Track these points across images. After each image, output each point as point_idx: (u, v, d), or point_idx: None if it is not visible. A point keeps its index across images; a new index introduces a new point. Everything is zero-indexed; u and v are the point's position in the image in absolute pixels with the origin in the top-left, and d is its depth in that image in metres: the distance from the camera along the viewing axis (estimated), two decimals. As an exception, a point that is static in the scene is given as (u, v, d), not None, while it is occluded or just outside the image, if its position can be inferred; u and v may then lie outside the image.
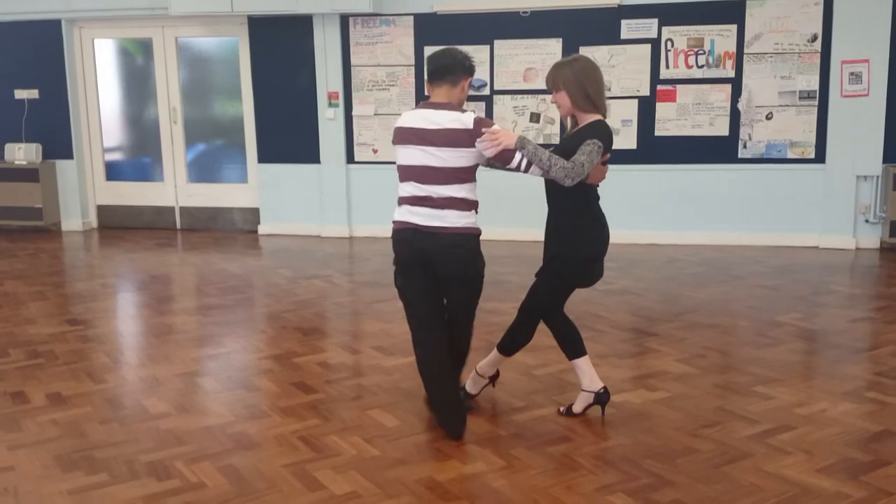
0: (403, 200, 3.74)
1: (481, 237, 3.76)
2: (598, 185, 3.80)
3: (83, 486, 3.28)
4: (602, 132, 3.63)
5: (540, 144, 3.71)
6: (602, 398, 3.88)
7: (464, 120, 3.60)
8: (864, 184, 7.91)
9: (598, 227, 3.79)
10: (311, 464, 3.44)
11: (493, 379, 4.19)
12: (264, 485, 3.27)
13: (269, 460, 3.49)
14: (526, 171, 3.61)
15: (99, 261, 8.36)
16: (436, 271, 3.70)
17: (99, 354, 5.00)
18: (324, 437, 3.72)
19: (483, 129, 3.57)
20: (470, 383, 4.15)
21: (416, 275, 3.73)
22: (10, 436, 3.77)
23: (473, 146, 3.59)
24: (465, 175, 3.64)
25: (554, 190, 3.74)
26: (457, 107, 3.69)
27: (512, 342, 4.01)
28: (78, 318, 5.84)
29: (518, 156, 3.56)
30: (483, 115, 8.33)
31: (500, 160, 3.62)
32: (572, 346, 3.93)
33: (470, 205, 3.67)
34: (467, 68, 3.73)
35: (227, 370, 4.74)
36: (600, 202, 3.84)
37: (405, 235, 3.73)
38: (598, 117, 3.70)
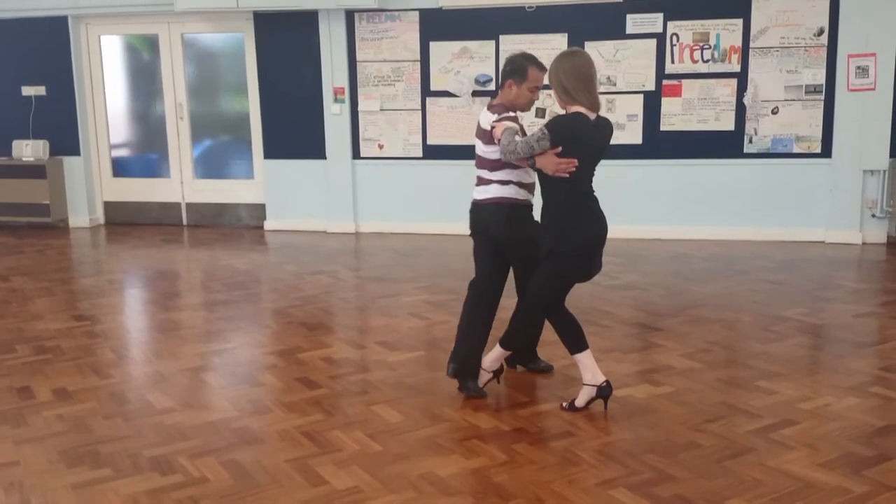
0: None
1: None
2: (589, 180, 3.81)
3: (87, 480, 3.30)
4: (557, 123, 3.74)
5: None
6: (604, 392, 3.89)
7: (486, 122, 4.05)
8: (871, 178, 7.88)
9: (590, 221, 3.81)
10: (314, 459, 3.45)
11: (498, 374, 4.21)
12: (266, 479, 3.28)
13: (272, 455, 3.50)
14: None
15: (106, 257, 8.40)
16: (488, 236, 4.16)
17: (105, 350, 5.02)
18: (327, 432, 3.73)
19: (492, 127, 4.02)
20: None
21: (479, 239, 4.22)
22: (15, 431, 3.80)
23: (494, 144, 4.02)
24: (500, 164, 4.03)
25: (545, 184, 3.84)
26: (501, 108, 4.07)
27: (513, 337, 4.06)
28: (84, 313, 5.87)
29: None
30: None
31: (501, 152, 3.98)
32: (574, 340, 3.94)
33: (507, 182, 4.06)
34: (507, 72, 4.09)
35: (231, 366, 4.76)
36: (596, 196, 3.87)
37: (471, 208, 4.23)
38: (577, 109, 3.73)
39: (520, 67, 4.04)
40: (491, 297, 4.22)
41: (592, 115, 3.74)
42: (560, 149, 3.69)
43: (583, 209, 3.79)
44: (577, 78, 3.71)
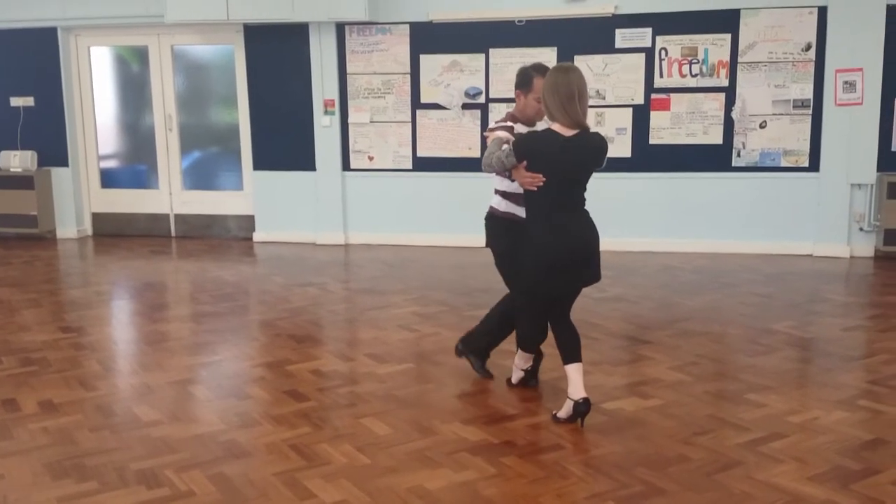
0: None
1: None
2: (564, 194, 3.83)
3: (73, 493, 3.26)
4: (520, 139, 3.92)
5: None
6: (580, 408, 3.87)
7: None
8: (859, 192, 7.92)
9: (553, 236, 3.82)
10: (302, 472, 3.43)
11: (530, 374, 4.41)
12: (254, 493, 3.26)
13: (260, 469, 3.48)
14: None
15: (93, 268, 8.35)
16: None
17: (91, 362, 4.99)
18: (315, 445, 3.71)
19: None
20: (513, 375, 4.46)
21: None
22: (0, 443, 3.76)
23: None
24: (498, 173, 4.13)
25: (525, 196, 3.95)
26: (510, 118, 4.20)
27: (520, 339, 4.26)
28: (71, 325, 5.83)
29: None
30: (479, 122, 8.37)
31: None
32: (566, 351, 3.98)
33: (497, 192, 4.25)
34: (516, 83, 4.17)
35: (219, 378, 4.73)
36: (580, 211, 3.90)
37: None
38: (554, 125, 3.80)
39: (526, 78, 4.11)
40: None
41: (569, 133, 3.76)
42: (525, 163, 3.81)
43: (548, 223, 3.83)
44: (555, 95, 3.76)
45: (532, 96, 4.07)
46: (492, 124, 4.25)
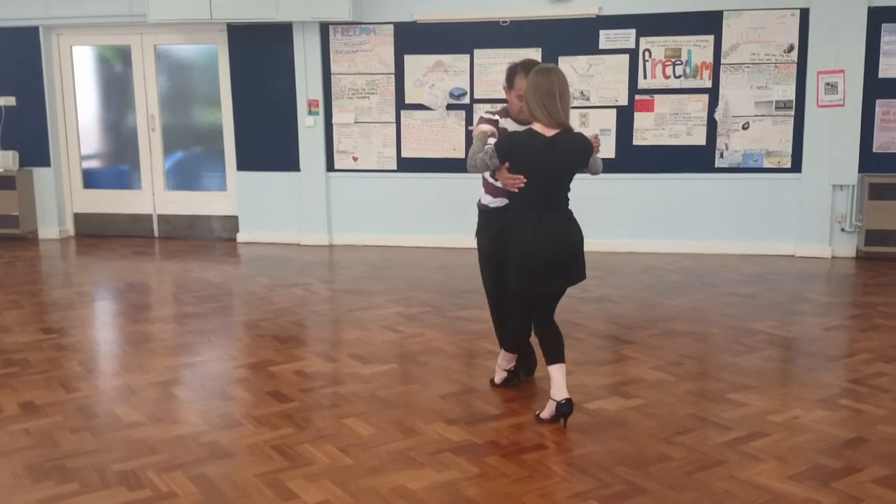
0: None
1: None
2: (544, 195, 3.84)
3: (54, 495, 3.24)
4: (500, 140, 3.91)
5: None
6: (562, 409, 3.87)
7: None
8: (840, 193, 7.97)
9: (533, 237, 3.84)
10: (284, 473, 3.42)
11: (512, 373, 4.41)
12: (236, 494, 3.25)
13: (242, 470, 3.47)
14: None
15: (75, 269, 8.30)
16: None
17: (73, 363, 4.96)
18: (297, 446, 3.70)
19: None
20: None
21: None
22: (-20, 445, 3.74)
23: None
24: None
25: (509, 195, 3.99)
26: (502, 112, 4.19)
27: (503, 338, 4.34)
28: (53, 326, 5.79)
29: None
30: (464, 123, 8.38)
31: None
32: (548, 351, 3.99)
33: (483, 182, 4.26)
34: (505, 78, 4.16)
35: (201, 379, 4.72)
36: (563, 211, 3.92)
37: None
38: (533, 126, 3.82)
39: (511, 75, 4.11)
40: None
41: (550, 132, 3.78)
42: (507, 164, 3.83)
43: (531, 223, 3.84)
44: (536, 95, 3.77)
45: (514, 93, 4.06)
46: (482, 114, 4.24)
